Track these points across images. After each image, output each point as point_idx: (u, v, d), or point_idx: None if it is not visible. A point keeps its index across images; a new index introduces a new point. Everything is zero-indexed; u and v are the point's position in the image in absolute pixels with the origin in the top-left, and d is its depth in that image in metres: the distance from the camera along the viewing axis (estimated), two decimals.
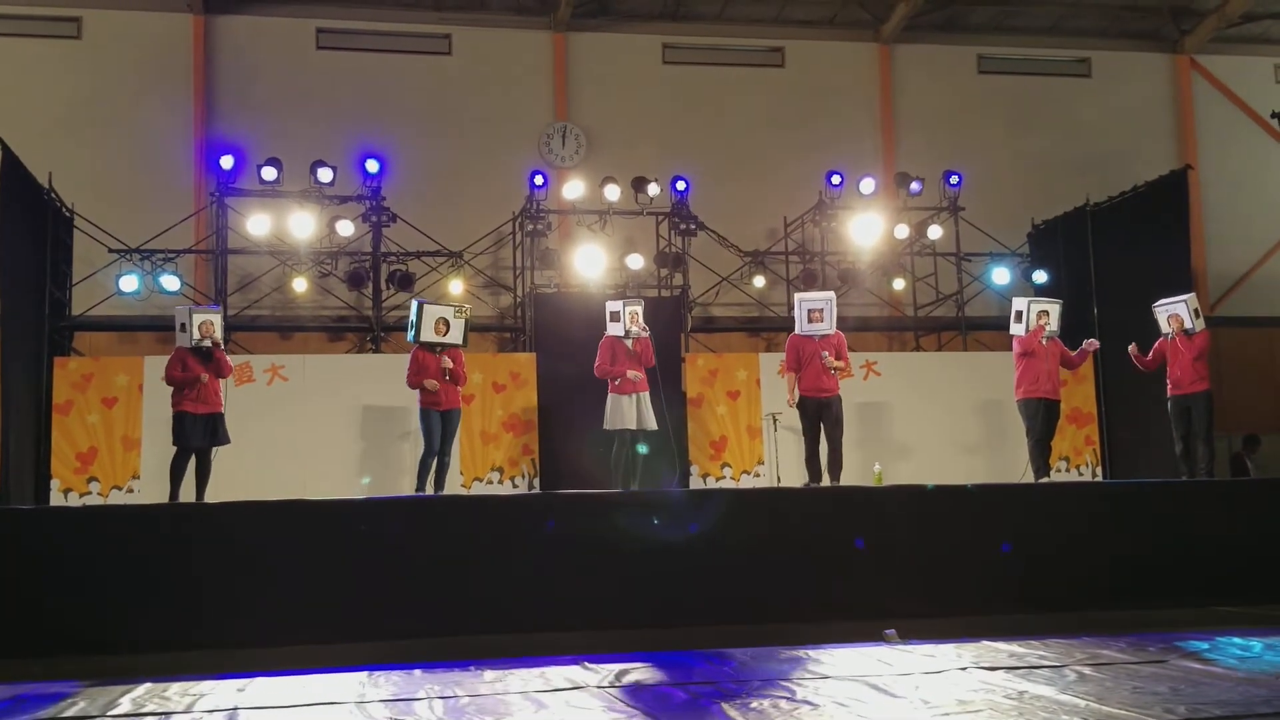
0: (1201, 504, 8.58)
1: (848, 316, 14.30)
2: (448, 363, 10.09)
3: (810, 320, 10.11)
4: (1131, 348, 10.45)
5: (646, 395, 10.36)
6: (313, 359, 12.78)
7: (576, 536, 7.43)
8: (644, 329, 10.40)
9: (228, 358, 10.05)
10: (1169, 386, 10.27)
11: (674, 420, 11.22)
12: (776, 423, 12.06)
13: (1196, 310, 10.27)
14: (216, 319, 9.92)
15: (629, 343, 10.31)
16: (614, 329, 10.40)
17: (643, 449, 10.47)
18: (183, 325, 9.76)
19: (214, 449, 9.83)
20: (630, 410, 10.20)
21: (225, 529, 7.20)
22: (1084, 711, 4.56)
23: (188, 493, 9.75)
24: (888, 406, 13.05)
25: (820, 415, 10.00)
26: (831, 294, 10.43)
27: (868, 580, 7.60)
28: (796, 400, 10.08)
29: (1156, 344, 10.39)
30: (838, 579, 7.60)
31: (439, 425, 10.06)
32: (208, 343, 9.68)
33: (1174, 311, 10.25)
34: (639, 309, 10.48)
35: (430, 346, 10.15)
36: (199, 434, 9.61)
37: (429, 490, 10.01)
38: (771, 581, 7.52)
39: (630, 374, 10.21)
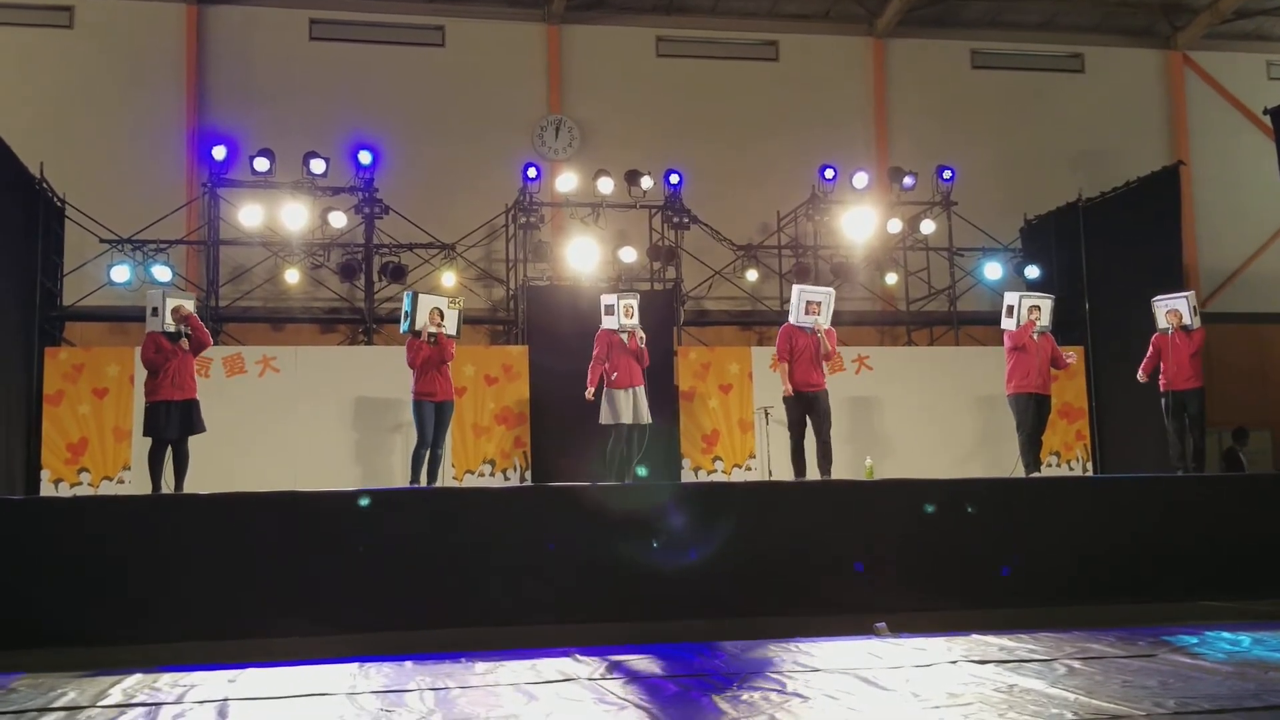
0: (1191, 499, 8.59)
1: (840, 311, 14.32)
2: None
3: (807, 312, 9.92)
4: (1140, 375, 10.54)
5: (642, 389, 10.36)
6: (304, 350, 12.79)
7: (568, 529, 7.44)
8: (638, 326, 10.33)
9: (205, 328, 9.67)
10: (1163, 382, 10.29)
11: (666, 415, 11.19)
12: (768, 417, 12.06)
13: (1195, 308, 10.32)
14: (189, 303, 9.69)
15: (624, 337, 10.29)
16: (609, 322, 10.37)
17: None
18: (154, 309, 9.57)
19: (189, 438, 9.63)
20: (626, 404, 10.20)
21: (216, 520, 7.18)
22: (1074, 705, 4.57)
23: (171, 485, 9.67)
24: (879, 401, 13.08)
25: (808, 409, 9.90)
26: (831, 290, 10.30)
27: (859, 574, 7.62)
28: (792, 390, 9.82)
29: (1154, 339, 10.41)
30: (828, 573, 7.62)
31: (432, 416, 10.03)
32: (174, 326, 9.41)
33: (1173, 307, 10.27)
34: (633, 302, 10.42)
35: (424, 336, 10.14)
36: (173, 425, 9.39)
37: (422, 482, 10.02)
38: (762, 575, 7.53)
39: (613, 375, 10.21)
